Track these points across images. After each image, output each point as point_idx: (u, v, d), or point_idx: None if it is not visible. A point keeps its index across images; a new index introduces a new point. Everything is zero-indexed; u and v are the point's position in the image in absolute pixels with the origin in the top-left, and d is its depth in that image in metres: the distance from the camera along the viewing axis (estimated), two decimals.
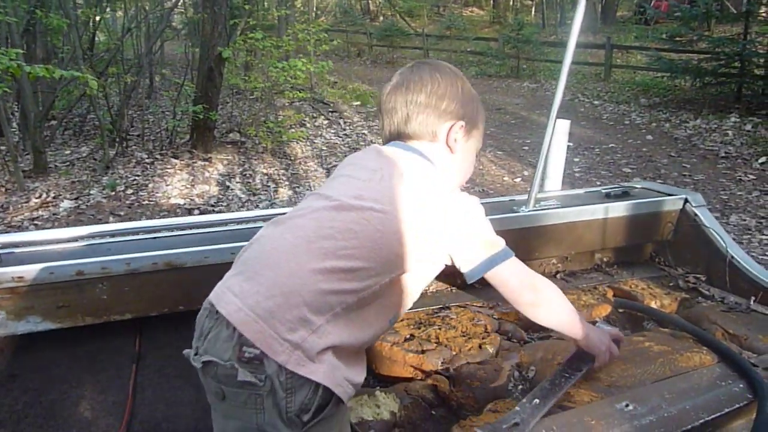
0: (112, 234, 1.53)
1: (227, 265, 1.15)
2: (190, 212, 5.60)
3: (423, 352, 1.46)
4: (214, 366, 0.98)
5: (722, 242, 1.92)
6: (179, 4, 9.80)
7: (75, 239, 1.51)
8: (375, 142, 8.00)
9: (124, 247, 1.46)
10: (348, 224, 1.04)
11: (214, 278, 1.09)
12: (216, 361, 0.97)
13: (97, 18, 8.61)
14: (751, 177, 6.24)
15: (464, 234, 1.08)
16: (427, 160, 1.16)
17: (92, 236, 1.53)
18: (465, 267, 1.10)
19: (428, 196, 1.08)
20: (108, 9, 9.74)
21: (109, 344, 1.52)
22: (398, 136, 1.20)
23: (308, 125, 9.12)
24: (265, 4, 13.91)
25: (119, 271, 1.38)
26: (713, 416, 1.20)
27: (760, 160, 6.72)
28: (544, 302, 1.16)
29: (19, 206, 5.48)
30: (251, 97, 8.95)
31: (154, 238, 1.52)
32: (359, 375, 1.06)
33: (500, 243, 1.11)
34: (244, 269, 1.04)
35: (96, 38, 9.47)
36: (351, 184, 1.12)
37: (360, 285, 1.01)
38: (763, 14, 10.76)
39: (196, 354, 1.01)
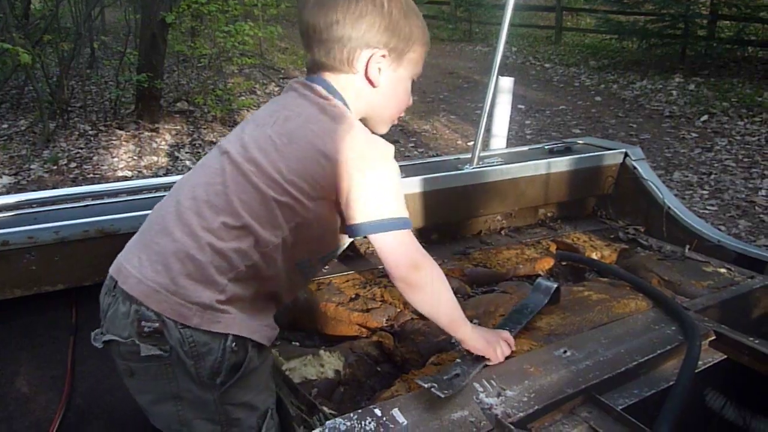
0: (40, 202, 1.46)
1: None
2: None
3: (368, 310, 1.46)
4: (116, 344, 0.96)
5: (659, 194, 1.98)
6: None
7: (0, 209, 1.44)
8: None
9: (53, 215, 1.40)
10: (237, 177, 0.99)
11: None
12: (117, 339, 0.95)
13: None
14: (694, 135, 6.44)
15: (359, 186, 0.98)
16: (332, 95, 1.04)
17: (18, 205, 1.46)
18: (352, 219, 1.00)
19: (322, 142, 0.98)
20: None
21: (43, 317, 1.46)
22: (314, 67, 1.08)
23: (259, 92, 8.91)
24: None
25: (47, 240, 1.32)
26: (646, 358, 1.25)
27: (702, 119, 6.93)
28: (424, 285, 1.04)
29: None
30: (199, 64, 8.65)
31: (85, 205, 1.46)
32: (269, 316, 1.06)
33: (396, 209, 1.00)
34: (140, 238, 1.02)
35: (31, 5, 8.96)
36: (247, 131, 1.05)
37: (259, 239, 0.97)
38: None
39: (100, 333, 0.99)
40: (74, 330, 1.49)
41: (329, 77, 1.06)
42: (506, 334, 1.22)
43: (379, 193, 0.99)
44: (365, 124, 1.08)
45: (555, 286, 1.46)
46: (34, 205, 1.46)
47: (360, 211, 0.99)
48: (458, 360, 1.17)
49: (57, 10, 7.20)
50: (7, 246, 1.29)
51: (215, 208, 0.97)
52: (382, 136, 1.07)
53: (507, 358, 1.19)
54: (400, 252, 1.02)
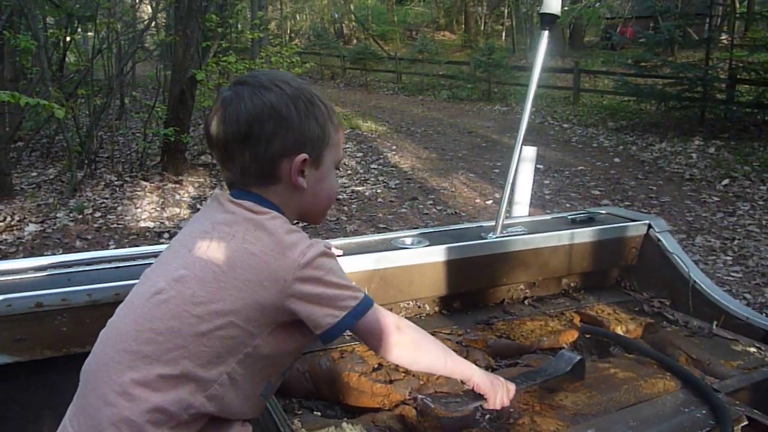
0: (73, 264, 1.50)
1: None
2: (160, 236, 5.52)
3: (391, 381, 1.45)
4: None
5: (685, 267, 1.97)
6: (152, 25, 9.75)
7: (34, 270, 1.47)
8: (348, 166, 8.04)
9: (85, 278, 1.43)
10: (167, 321, 0.91)
11: None
12: None
13: (68, 39, 8.53)
14: (715, 199, 6.41)
15: (312, 294, 0.93)
16: (265, 207, 0.99)
17: (52, 266, 1.49)
18: (320, 328, 0.95)
19: (261, 259, 0.92)
20: (79, 30, 9.66)
21: (69, 377, 1.47)
22: (236, 183, 1.02)
23: None
24: (239, 26, 13.94)
25: (80, 303, 1.34)
26: None
27: (723, 182, 6.92)
28: (412, 343, 1.04)
29: None
30: None
31: (116, 267, 1.49)
32: None
33: (357, 294, 0.97)
34: (80, 393, 0.96)
35: (66, 59, 9.37)
36: (177, 258, 0.97)
37: (201, 382, 0.90)
38: (724, 41, 11.19)
39: None
40: None
41: (256, 190, 1.01)
42: (512, 384, 1.19)
43: (335, 290, 0.96)
44: (303, 220, 1.09)
45: (578, 358, 1.43)
46: (67, 267, 1.50)
47: (325, 316, 0.94)
48: None
49: (92, 65, 7.51)
50: (41, 307, 1.32)
51: (147, 359, 0.89)
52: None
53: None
54: (380, 328, 0.99)
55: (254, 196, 1.00)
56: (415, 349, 1.05)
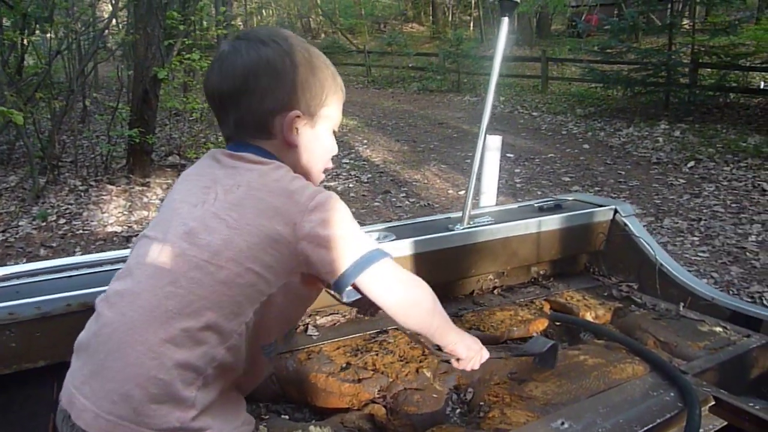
0: (21, 275, 1.43)
1: None
2: (128, 240, 5.40)
3: (359, 380, 1.42)
4: None
5: (651, 250, 1.97)
6: (111, 25, 9.53)
7: None
8: None
9: (36, 288, 1.36)
10: (188, 272, 0.89)
11: None
12: None
13: (25, 41, 8.27)
14: (682, 181, 6.52)
15: (323, 239, 0.92)
16: (265, 158, 0.99)
17: (1, 278, 1.42)
18: (331, 277, 0.94)
19: (271, 206, 0.92)
20: (37, 32, 9.36)
21: (22, 394, 1.41)
22: (233, 137, 1.03)
23: None
24: (204, 23, 13.71)
25: (29, 316, 1.28)
26: (646, 428, 1.21)
27: (688, 165, 7.04)
28: (409, 304, 1.01)
29: None
30: (191, 118, 8.76)
31: (69, 276, 1.43)
32: (242, 412, 1.00)
33: (368, 244, 0.96)
34: (87, 360, 0.90)
35: (25, 62, 9.07)
36: (181, 213, 0.96)
37: (223, 333, 0.89)
38: (686, 26, 11.37)
39: None
40: (54, 407, 1.43)
41: (254, 142, 1.01)
42: (486, 353, 1.18)
43: (347, 239, 0.94)
44: None
45: (552, 342, 1.41)
46: (14, 279, 1.43)
47: (337, 264, 0.93)
48: None
49: (50, 67, 7.29)
50: None
51: (169, 313, 0.87)
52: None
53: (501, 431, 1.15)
54: (391, 280, 0.97)
55: (253, 147, 1.00)
56: (409, 309, 1.01)
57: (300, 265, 0.95)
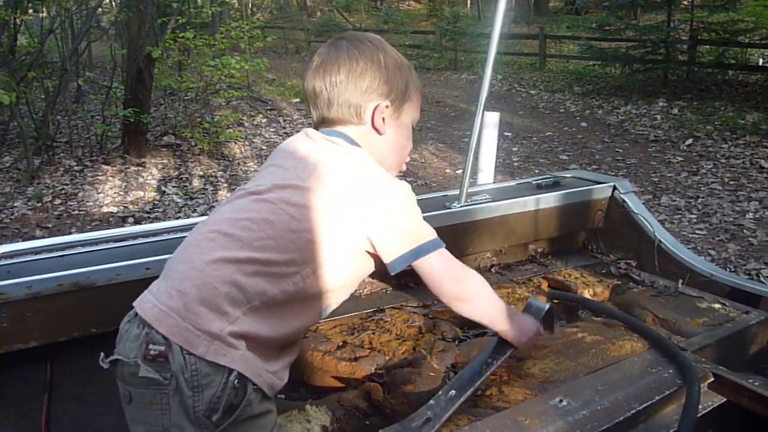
0: (12, 255, 1.41)
1: (141, 283, 1.07)
2: (124, 220, 5.38)
3: (356, 359, 1.41)
4: (121, 365, 0.96)
5: (650, 227, 1.96)
6: (103, 3, 9.37)
7: None
8: None
9: (27, 268, 1.34)
10: (264, 214, 1.02)
11: (128, 297, 1.02)
12: (122, 359, 0.95)
13: (17, 20, 8.12)
14: (679, 159, 6.50)
15: (388, 222, 1.05)
16: (352, 144, 1.12)
17: None
18: (387, 257, 1.06)
19: (351, 183, 1.06)
20: (30, 10, 9.20)
21: (15, 375, 1.40)
22: (323, 122, 1.17)
23: (246, 124, 8.92)
24: (198, 1, 13.51)
25: (19, 296, 1.26)
26: (644, 405, 1.21)
27: (686, 142, 7.01)
28: (470, 295, 1.15)
29: None
30: (186, 98, 8.67)
31: (61, 256, 1.41)
32: (282, 371, 1.04)
33: (428, 233, 1.09)
34: (164, 271, 1.04)
35: (17, 41, 8.93)
36: (276, 174, 1.10)
37: (280, 277, 0.99)
38: (685, 2, 11.23)
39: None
40: (48, 387, 1.42)
41: (343, 130, 1.14)
42: (541, 329, 1.28)
43: (410, 224, 1.07)
44: None
45: (547, 306, 1.34)
46: (4, 258, 1.41)
47: (397, 244, 1.05)
48: (431, 402, 1.14)
49: (43, 46, 7.18)
50: None
51: (240, 242, 1.00)
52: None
53: (498, 409, 1.14)
54: (442, 271, 1.09)
55: (341, 134, 1.13)
56: (464, 302, 1.15)
57: (365, 241, 1.06)
